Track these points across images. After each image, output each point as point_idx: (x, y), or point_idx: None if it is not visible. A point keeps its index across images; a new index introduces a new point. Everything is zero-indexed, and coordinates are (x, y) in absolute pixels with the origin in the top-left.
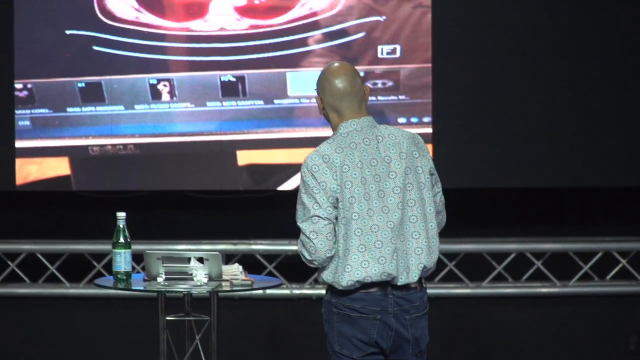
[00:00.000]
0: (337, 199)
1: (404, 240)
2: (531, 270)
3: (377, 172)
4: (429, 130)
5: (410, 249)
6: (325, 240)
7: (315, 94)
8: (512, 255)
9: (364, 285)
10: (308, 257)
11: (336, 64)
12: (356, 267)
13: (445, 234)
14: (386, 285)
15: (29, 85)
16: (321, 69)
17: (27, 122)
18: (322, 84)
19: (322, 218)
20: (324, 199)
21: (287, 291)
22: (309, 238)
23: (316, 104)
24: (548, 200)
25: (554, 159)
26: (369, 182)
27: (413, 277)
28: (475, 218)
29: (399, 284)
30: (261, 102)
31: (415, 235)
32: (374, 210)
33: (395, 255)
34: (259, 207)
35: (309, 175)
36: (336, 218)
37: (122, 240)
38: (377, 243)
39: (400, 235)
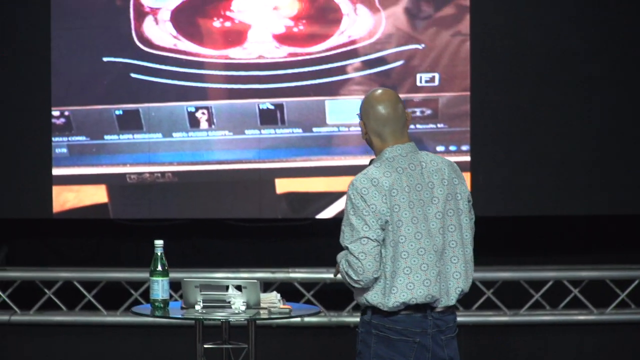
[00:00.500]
0: (386, 222)
1: (444, 264)
2: (568, 298)
3: (421, 197)
4: (467, 158)
5: (449, 273)
6: (373, 262)
7: (358, 119)
8: (550, 283)
9: (407, 307)
10: (355, 278)
11: (379, 90)
12: (402, 289)
13: (483, 261)
14: (426, 307)
15: (66, 113)
16: (360, 97)
17: (64, 150)
18: (366, 109)
19: (371, 240)
20: (373, 221)
21: (325, 319)
22: (357, 259)
23: (355, 132)
24: (585, 228)
25: (591, 186)
26: (415, 206)
27: (451, 300)
28: (513, 245)
29: (439, 306)
30: (300, 130)
31: (454, 260)
32: (421, 234)
33: (438, 278)
34: (298, 235)
35: (358, 198)
36: (384, 240)
37: (159, 268)
38: (423, 266)
39: (441, 259)
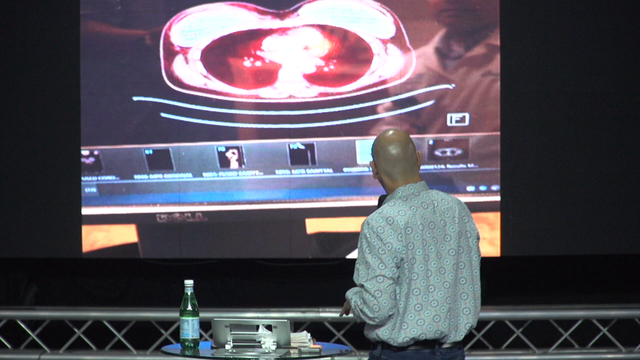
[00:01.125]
0: (401, 259)
1: (455, 300)
2: (597, 337)
3: (434, 235)
4: (497, 198)
5: (459, 309)
6: (389, 299)
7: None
8: (579, 322)
9: (416, 342)
10: (370, 315)
11: (390, 131)
12: (412, 325)
13: (512, 300)
14: (434, 343)
15: (96, 152)
16: None
17: (94, 189)
18: (377, 150)
19: (387, 277)
20: (389, 259)
21: (355, 358)
22: (373, 296)
23: None
24: (614, 267)
25: (621, 225)
26: (428, 244)
27: (460, 335)
28: (542, 284)
29: (447, 342)
30: (330, 170)
31: (464, 296)
32: (431, 271)
33: (448, 314)
34: (328, 275)
35: (374, 237)
36: (398, 277)
37: (190, 307)
38: (433, 302)
39: (453, 296)
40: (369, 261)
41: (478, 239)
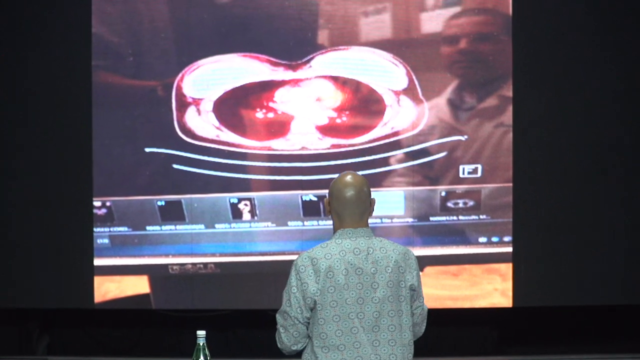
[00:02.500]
0: (315, 302)
1: (379, 346)
2: None
3: (361, 281)
4: (509, 249)
5: (385, 354)
6: (291, 337)
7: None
8: None
9: None
10: (278, 345)
11: (348, 175)
12: None
13: (523, 352)
14: None
15: (108, 203)
16: (403, 188)
17: (106, 240)
18: (332, 190)
19: (290, 317)
20: (298, 300)
21: None
22: (278, 330)
23: (397, 224)
24: (627, 318)
25: (633, 276)
26: (350, 289)
27: None
28: (554, 335)
29: None
30: None
31: (392, 343)
32: (354, 314)
33: (371, 356)
34: None
35: (294, 274)
36: (312, 318)
37: (202, 358)
38: (356, 344)
39: (376, 341)
40: (284, 296)
41: (413, 290)
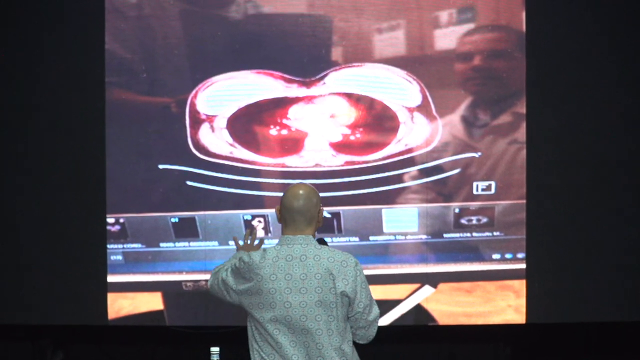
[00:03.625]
0: (239, 297)
1: (308, 348)
2: None
3: (289, 286)
4: (523, 266)
5: (313, 356)
6: (216, 287)
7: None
8: None
9: None
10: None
11: (300, 185)
12: None
13: None
14: None
15: (121, 220)
16: (417, 205)
17: (120, 257)
18: (283, 198)
19: (228, 283)
20: (228, 280)
21: None
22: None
23: (411, 240)
24: None
25: None
26: (277, 292)
27: None
28: (568, 352)
29: None
30: (356, 238)
31: (320, 346)
32: (282, 317)
33: (299, 358)
34: (354, 343)
35: (234, 263)
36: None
37: None
38: (278, 344)
39: (298, 343)
40: (226, 264)
41: (346, 296)
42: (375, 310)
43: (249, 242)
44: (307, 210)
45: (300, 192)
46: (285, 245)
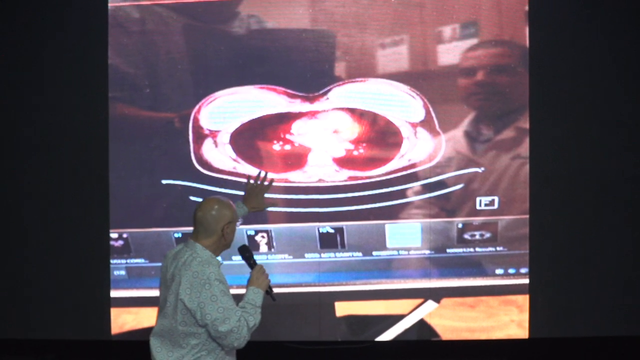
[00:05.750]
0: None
1: (167, 345)
2: None
3: (165, 283)
4: (526, 280)
5: (164, 356)
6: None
7: None
8: None
9: None
10: None
11: (211, 199)
12: None
13: None
14: None
15: (125, 235)
16: (420, 220)
17: (123, 272)
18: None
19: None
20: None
21: None
22: None
23: (414, 256)
24: None
25: None
26: (161, 287)
27: None
28: None
29: None
30: (360, 253)
31: (167, 346)
32: (160, 311)
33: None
34: (357, 358)
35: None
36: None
37: None
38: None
39: (166, 335)
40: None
41: (180, 300)
42: (225, 327)
43: (259, 182)
44: (205, 221)
45: (205, 204)
46: (181, 245)
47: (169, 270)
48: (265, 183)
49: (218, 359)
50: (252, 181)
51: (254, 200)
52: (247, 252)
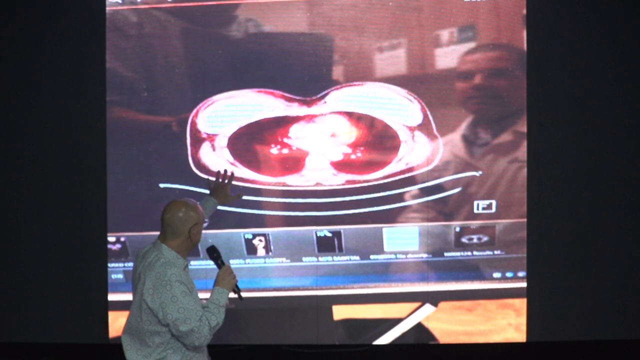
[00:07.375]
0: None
1: (135, 344)
2: None
3: (135, 283)
4: (524, 284)
5: (132, 355)
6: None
7: None
8: None
9: None
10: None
11: (178, 201)
12: None
13: None
14: None
15: (122, 239)
16: (418, 224)
17: (120, 276)
18: None
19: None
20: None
21: None
22: None
23: (412, 259)
24: None
25: None
26: (133, 285)
27: None
28: None
29: None
30: (357, 257)
31: (132, 344)
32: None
33: (131, 347)
34: None
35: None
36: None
37: None
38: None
39: (134, 333)
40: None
41: (143, 300)
42: (186, 326)
43: (220, 180)
44: (172, 223)
45: (172, 206)
46: (149, 246)
47: (137, 270)
48: (226, 181)
49: (185, 357)
50: (213, 178)
51: (221, 195)
52: (215, 252)
